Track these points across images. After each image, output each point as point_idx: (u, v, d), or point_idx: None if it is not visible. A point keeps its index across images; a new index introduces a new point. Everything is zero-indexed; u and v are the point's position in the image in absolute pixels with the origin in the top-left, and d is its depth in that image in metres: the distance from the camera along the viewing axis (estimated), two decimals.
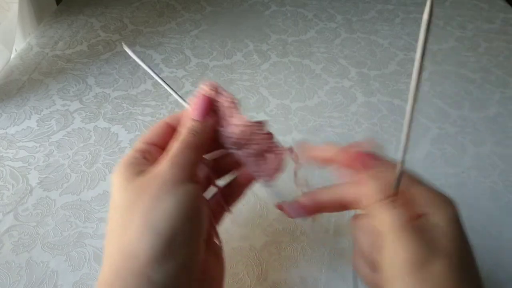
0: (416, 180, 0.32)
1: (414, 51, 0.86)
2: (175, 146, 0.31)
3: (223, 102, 0.35)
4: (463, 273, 0.27)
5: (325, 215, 0.52)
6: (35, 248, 0.47)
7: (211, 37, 0.84)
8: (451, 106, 0.69)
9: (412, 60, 0.79)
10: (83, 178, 0.55)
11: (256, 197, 0.53)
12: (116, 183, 0.30)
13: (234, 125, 0.35)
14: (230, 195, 0.38)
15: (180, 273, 0.27)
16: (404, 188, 0.30)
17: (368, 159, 0.31)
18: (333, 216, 0.52)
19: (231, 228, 0.50)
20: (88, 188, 0.54)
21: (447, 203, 0.29)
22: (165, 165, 0.30)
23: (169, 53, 0.79)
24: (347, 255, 0.48)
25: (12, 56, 0.76)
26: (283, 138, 0.62)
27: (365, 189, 0.31)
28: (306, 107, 0.68)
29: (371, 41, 0.85)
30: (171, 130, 0.35)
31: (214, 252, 0.35)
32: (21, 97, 0.67)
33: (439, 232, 0.27)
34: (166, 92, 0.70)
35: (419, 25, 0.93)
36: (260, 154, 0.36)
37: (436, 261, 0.26)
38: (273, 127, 0.64)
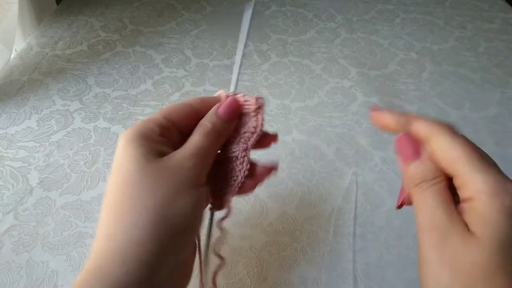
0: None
1: (414, 51, 0.87)
2: (200, 142, 0.30)
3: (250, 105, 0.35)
4: None
5: (325, 215, 0.52)
6: (35, 248, 0.47)
7: (211, 37, 0.84)
8: (451, 106, 0.69)
9: (413, 60, 0.79)
10: (83, 178, 0.55)
11: (256, 197, 0.53)
12: (129, 152, 0.28)
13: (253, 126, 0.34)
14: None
15: (180, 267, 0.28)
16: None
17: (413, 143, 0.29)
18: (333, 216, 0.52)
19: (231, 228, 0.50)
20: (88, 188, 0.54)
21: (496, 200, 0.24)
22: (188, 160, 0.29)
23: (169, 53, 0.79)
24: (347, 255, 0.48)
25: (12, 56, 0.76)
26: (283, 138, 0.62)
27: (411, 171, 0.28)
28: (306, 107, 0.68)
29: (371, 41, 0.85)
30: (193, 114, 0.33)
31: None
32: (21, 97, 0.67)
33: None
34: (166, 92, 0.70)
35: (419, 25, 0.94)
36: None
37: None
38: (273, 127, 0.64)
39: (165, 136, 0.31)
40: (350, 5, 0.97)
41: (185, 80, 0.73)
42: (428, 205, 0.26)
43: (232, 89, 0.36)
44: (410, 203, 0.30)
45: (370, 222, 0.51)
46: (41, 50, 0.78)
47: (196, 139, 0.30)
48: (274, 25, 0.89)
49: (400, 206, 0.32)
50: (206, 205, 0.32)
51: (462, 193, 0.25)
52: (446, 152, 0.26)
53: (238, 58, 0.36)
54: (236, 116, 0.34)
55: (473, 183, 0.24)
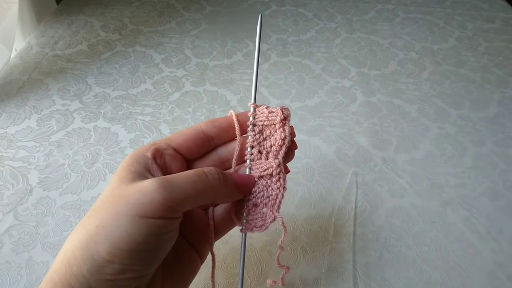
0: None
1: (414, 50, 0.87)
2: (187, 175, 0.28)
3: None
4: None
5: (325, 215, 0.52)
6: (35, 248, 0.47)
7: (211, 36, 0.84)
8: (451, 106, 0.69)
9: (413, 60, 0.79)
10: (83, 178, 0.55)
11: None
12: (116, 172, 0.29)
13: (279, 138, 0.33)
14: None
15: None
16: None
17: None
18: (333, 216, 0.52)
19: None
20: (88, 188, 0.54)
21: None
22: (154, 187, 0.26)
23: (169, 53, 0.79)
24: (347, 255, 0.48)
25: (12, 55, 0.76)
26: None
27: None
28: (306, 106, 0.68)
29: (371, 41, 0.85)
30: (202, 140, 0.32)
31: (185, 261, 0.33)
32: (21, 97, 0.67)
33: None
34: (166, 92, 0.70)
35: (419, 25, 0.94)
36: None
37: None
38: None
39: (157, 157, 0.30)
40: (350, 5, 0.97)
41: (185, 80, 0.73)
42: None
43: (252, 100, 0.34)
44: None
45: (370, 222, 0.51)
46: (41, 50, 0.78)
47: (187, 174, 0.28)
48: (274, 25, 0.89)
49: None
50: (171, 241, 0.29)
51: None
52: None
53: (255, 71, 0.35)
54: (246, 193, 0.33)
55: None
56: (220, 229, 0.35)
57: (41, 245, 0.47)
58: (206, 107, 0.67)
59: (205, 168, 0.29)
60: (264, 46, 0.82)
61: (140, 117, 0.65)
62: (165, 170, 0.31)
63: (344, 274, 0.46)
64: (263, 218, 0.32)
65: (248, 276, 0.45)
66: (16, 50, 0.78)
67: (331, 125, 0.64)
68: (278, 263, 0.35)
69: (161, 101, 0.68)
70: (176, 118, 0.65)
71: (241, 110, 0.66)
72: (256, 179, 0.33)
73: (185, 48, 0.80)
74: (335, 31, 0.88)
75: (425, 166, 0.58)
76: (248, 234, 0.49)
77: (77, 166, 0.56)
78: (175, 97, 0.69)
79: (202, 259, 0.35)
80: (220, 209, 0.35)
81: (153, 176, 0.29)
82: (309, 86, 0.72)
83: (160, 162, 0.31)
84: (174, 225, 0.28)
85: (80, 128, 0.62)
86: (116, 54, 0.78)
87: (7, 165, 0.56)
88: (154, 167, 0.30)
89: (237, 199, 0.33)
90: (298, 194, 0.54)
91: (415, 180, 0.56)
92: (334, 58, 0.79)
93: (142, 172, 0.29)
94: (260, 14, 0.30)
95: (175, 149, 0.32)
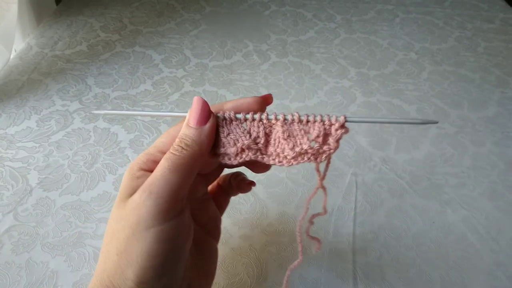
0: None
1: (414, 51, 0.87)
2: (158, 168, 0.27)
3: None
4: None
5: (325, 215, 0.52)
6: (35, 248, 0.47)
7: (210, 37, 0.84)
8: (451, 106, 0.69)
9: (412, 60, 0.79)
10: (82, 178, 0.55)
11: (256, 197, 0.53)
12: (120, 190, 0.29)
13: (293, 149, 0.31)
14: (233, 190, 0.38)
15: None
16: None
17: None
18: (333, 216, 0.52)
19: (231, 228, 0.50)
20: (88, 188, 0.54)
21: None
22: (142, 195, 0.26)
23: (169, 53, 0.79)
24: (347, 255, 0.48)
25: (12, 56, 0.75)
26: None
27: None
28: (306, 107, 0.68)
29: (371, 41, 0.85)
30: None
31: (204, 257, 0.34)
32: (20, 97, 0.67)
33: None
34: (165, 92, 0.70)
35: (418, 25, 0.94)
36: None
37: None
38: None
39: (152, 169, 0.29)
40: (349, 5, 0.97)
41: (184, 80, 0.73)
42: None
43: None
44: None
45: (370, 222, 0.51)
46: (41, 51, 0.78)
47: (159, 168, 0.27)
48: (274, 25, 0.89)
49: None
50: (180, 234, 0.28)
51: None
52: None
53: None
54: (206, 118, 0.29)
55: None
56: (222, 202, 0.37)
57: (41, 245, 0.47)
58: None
59: (170, 149, 0.28)
60: (263, 47, 0.82)
61: (139, 117, 0.65)
62: None
63: (344, 274, 0.46)
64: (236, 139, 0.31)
65: (248, 276, 0.45)
66: (15, 50, 0.78)
67: None
68: (309, 235, 0.36)
69: (161, 102, 0.68)
70: (175, 118, 0.65)
71: None
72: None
73: (184, 49, 0.80)
74: (334, 31, 0.88)
75: (424, 166, 0.58)
76: (248, 234, 0.49)
77: (77, 166, 0.56)
78: (174, 97, 0.69)
79: (217, 241, 0.36)
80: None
81: None
82: (308, 87, 0.72)
83: (148, 169, 0.30)
84: (184, 221, 0.28)
85: (80, 129, 0.62)
86: (115, 54, 0.78)
87: (7, 165, 0.56)
88: (145, 176, 0.30)
89: (210, 134, 0.30)
90: (298, 194, 0.54)
91: (415, 180, 0.56)
92: (333, 58, 0.80)
93: (139, 184, 0.28)
94: None
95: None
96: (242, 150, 0.31)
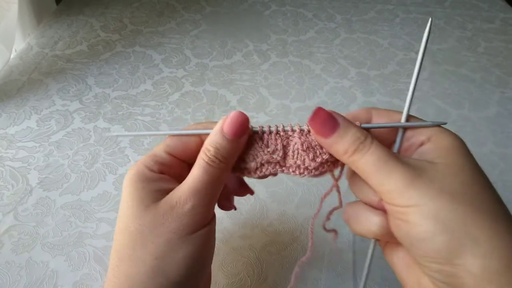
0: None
1: (414, 51, 0.87)
2: (199, 177, 0.27)
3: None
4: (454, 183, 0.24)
5: (325, 215, 0.52)
6: (35, 248, 0.47)
7: (211, 37, 0.84)
8: (451, 106, 0.69)
9: (412, 60, 0.79)
10: (83, 178, 0.55)
11: (256, 197, 0.53)
12: (129, 197, 0.28)
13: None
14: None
15: None
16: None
17: (328, 120, 0.28)
18: (333, 216, 0.52)
19: (231, 228, 0.50)
20: (88, 188, 0.54)
21: (449, 135, 0.27)
22: (184, 203, 0.27)
23: (169, 53, 0.79)
24: (347, 255, 0.48)
25: (12, 56, 0.75)
26: None
27: (337, 148, 0.28)
28: (306, 107, 0.68)
29: (371, 41, 0.85)
30: (200, 143, 0.30)
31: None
32: (21, 97, 0.67)
33: (429, 157, 0.26)
34: (165, 92, 0.70)
35: (418, 25, 0.94)
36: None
37: (423, 178, 0.24)
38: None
39: (165, 172, 0.29)
40: (349, 5, 0.97)
41: (185, 80, 0.73)
42: (378, 163, 0.25)
43: (404, 114, 0.31)
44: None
45: None
46: (41, 50, 0.78)
47: (194, 173, 0.28)
48: (274, 25, 0.89)
49: None
50: (213, 241, 0.30)
51: (416, 139, 0.28)
52: (391, 117, 0.29)
53: (412, 86, 0.31)
54: (244, 132, 0.29)
55: (426, 129, 0.28)
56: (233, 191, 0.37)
57: (41, 245, 0.47)
58: (206, 108, 0.67)
59: (204, 158, 0.28)
60: (263, 46, 0.82)
61: (140, 117, 0.65)
62: (177, 177, 0.31)
63: (344, 274, 0.46)
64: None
65: (248, 276, 0.45)
66: (16, 50, 0.78)
67: None
68: (325, 228, 0.36)
69: (161, 102, 0.68)
70: (176, 118, 0.65)
71: (240, 110, 0.66)
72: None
73: (185, 49, 0.80)
74: (334, 31, 0.88)
75: None
76: (248, 234, 0.49)
77: (77, 166, 0.56)
78: (175, 97, 0.69)
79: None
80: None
81: (168, 184, 0.29)
82: (309, 86, 0.72)
83: (169, 172, 0.30)
84: (214, 225, 0.30)
85: (80, 129, 0.62)
86: (116, 54, 0.78)
87: (7, 165, 0.56)
88: (162, 177, 0.29)
89: (241, 148, 0.30)
90: (298, 194, 0.54)
91: None
92: (333, 58, 0.80)
93: (161, 188, 0.28)
94: (430, 19, 0.28)
95: (175, 156, 0.31)
96: (262, 164, 0.31)
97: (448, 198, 0.23)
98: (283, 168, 0.31)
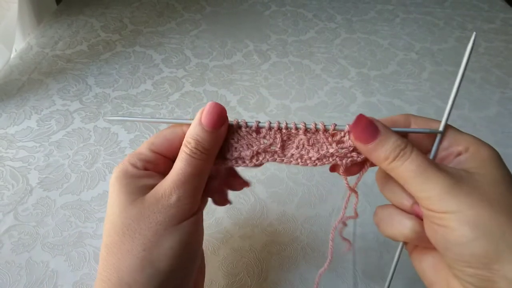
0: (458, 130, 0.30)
1: (414, 51, 0.87)
2: (182, 168, 0.28)
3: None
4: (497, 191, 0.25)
5: (325, 215, 0.52)
6: (35, 248, 0.47)
7: (211, 37, 0.84)
8: None
9: (413, 60, 0.79)
10: (83, 178, 0.55)
11: (256, 197, 0.53)
12: (115, 193, 0.29)
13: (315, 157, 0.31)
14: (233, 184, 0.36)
15: None
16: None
17: (370, 126, 0.28)
18: (333, 216, 0.52)
19: (231, 228, 0.50)
20: (88, 188, 0.54)
21: (485, 146, 0.28)
22: (170, 195, 0.28)
23: (169, 53, 0.79)
24: (347, 255, 0.48)
25: (12, 56, 0.76)
26: None
27: (377, 154, 0.28)
28: (306, 107, 0.68)
29: (371, 41, 0.85)
30: (181, 138, 0.31)
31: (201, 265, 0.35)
32: (21, 97, 0.67)
33: (468, 166, 0.27)
34: (166, 92, 0.70)
35: (419, 26, 0.94)
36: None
37: (462, 186, 0.25)
38: None
39: (150, 169, 0.30)
40: (349, 5, 0.97)
41: (185, 80, 0.73)
42: (418, 170, 0.26)
43: (443, 122, 0.30)
44: (355, 172, 0.33)
45: (370, 222, 0.51)
46: (41, 50, 0.78)
47: (177, 166, 0.29)
48: (274, 25, 0.89)
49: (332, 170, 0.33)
50: (201, 232, 0.31)
51: (453, 149, 0.28)
52: (429, 125, 0.29)
53: (454, 92, 0.31)
54: (222, 123, 0.29)
55: (464, 139, 0.28)
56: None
57: (41, 245, 0.47)
58: None
59: (185, 150, 0.29)
60: (263, 47, 0.82)
61: (140, 117, 0.65)
62: (162, 173, 0.31)
63: (344, 274, 0.46)
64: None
65: (248, 276, 0.45)
66: (16, 50, 0.78)
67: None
68: (341, 236, 0.36)
69: (161, 102, 0.68)
70: (175, 118, 0.65)
71: (241, 110, 0.67)
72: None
73: (185, 49, 0.80)
74: (335, 31, 0.88)
75: None
76: (248, 234, 0.49)
77: (77, 166, 0.56)
78: (175, 97, 0.69)
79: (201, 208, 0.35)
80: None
81: (153, 179, 0.30)
82: (309, 87, 0.72)
83: (154, 169, 0.31)
84: (201, 214, 0.31)
85: (80, 128, 0.62)
86: (116, 54, 0.78)
87: (7, 165, 0.56)
88: (147, 173, 0.30)
89: (222, 138, 0.30)
90: (298, 194, 0.54)
91: None
92: (334, 58, 0.80)
93: (146, 183, 0.29)
94: (474, 34, 0.28)
95: (159, 154, 0.31)
96: (258, 153, 0.31)
97: (487, 206, 0.24)
98: (283, 158, 0.31)
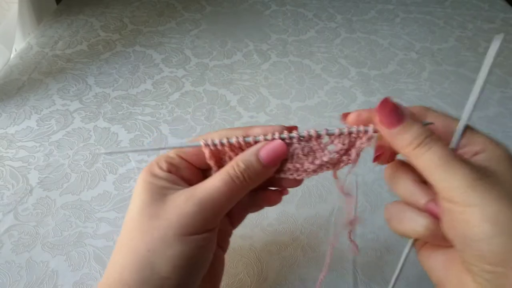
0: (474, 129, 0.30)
1: (414, 51, 0.87)
2: (214, 188, 0.28)
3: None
4: None
5: (325, 215, 0.52)
6: (35, 248, 0.47)
7: (211, 37, 0.84)
8: (451, 106, 0.69)
9: (413, 60, 0.79)
10: (83, 178, 0.55)
11: None
12: (138, 190, 0.29)
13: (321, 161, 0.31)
14: (253, 204, 0.36)
15: None
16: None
17: (395, 111, 0.28)
18: (333, 216, 0.52)
19: None
20: (88, 188, 0.54)
21: (500, 146, 0.28)
22: (191, 205, 0.27)
23: (169, 53, 0.79)
24: (347, 255, 0.48)
25: (12, 55, 0.76)
26: None
27: (401, 139, 0.28)
28: (306, 106, 0.68)
29: (371, 41, 0.85)
30: (214, 152, 0.31)
31: (215, 266, 0.34)
32: (21, 97, 0.67)
33: (490, 162, 0.27)
34: (166, 92, 0.70)
35: (419, 25, 0.94)
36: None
37: (485, 180, 0.25)
38: None
39: (174, 173, 0.30)
40: (350, 5, 0.97)
41: (185, 80, 0.73)
42: (443, 159, 0.26)
43: (462, 123, 0.30)
44: (388, 161, 0.31)
45: (370, 222, 0.51)
46: (41, 50, 0.78)
47: (212, 182, 0.28)
48: (274, 25, 0.89)
49: (376, 160, 0.32)
50: (210, 249, 0.30)
51: (470, 148, 0.28)
52: (447, 123, 0.29)
53: (473, 97, 0.31)
54: (279, 162, 0.30)
55: (480, 140, 0.28)
56: (238, 215, 0.36)
57: (41, 245, 0.47)
58: (206, 107, 0.67)
59: (230, 171, 0.29)
60: (264, 46, 0.82)
61: (140, 117, 0.65)
62: (185, 180, 0.31)
63: (344, 274, 0.46)
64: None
65: (248, 276, 0.45)
66: (16, 50, 0.78)
67: (331, 125, 0.64)
68: (350, 238, 0.36)
69: (161, 101, 0.68)
70: (176, 118, 0.65)
71: (241, 109, 0.67)
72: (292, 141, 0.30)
73: (185, 48, 0.80)
74: (335, 31, 0.88)
75: None
76: (248, 233, 0.49)
77: (77, 166, 0.56)
78: (175, 97, 0.69)
79: (224, 252, 0.36)
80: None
81: (178, 186, 0.30)
82: (309, 86, 0.72)
83: (176, 173, 0.31)
84: (215, 235, 0.30)
85: (80, 128, 0.62)
86: (116, 54, 0.78)
87: (7, 165, 0.56)
88: (175, 178, 0.30)
89: (269, 175, 0.31)
90: (298, 194, 0.54)
91: None
92: (334, 58, 0.80)
93: (168, 185, 0.29)
94: (502, 35, 0.28)
95: (185, 160, 0.31)
96: None
97: (508, 204, 0.24)
98: (280, 172, 0.31)
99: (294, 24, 0.90)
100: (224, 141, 0.29)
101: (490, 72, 0.29)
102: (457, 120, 0.29)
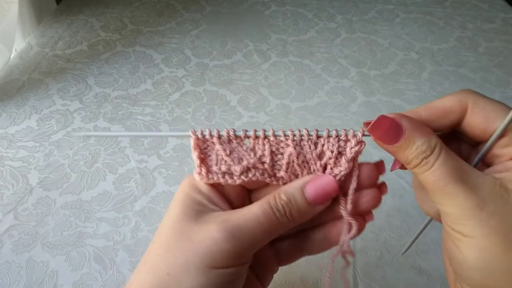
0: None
1: (414, 51, 0.86)
2: (253, 218, 0.25)
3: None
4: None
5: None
6: (35, 248, 0.47)
7: (211, 37, 0.84)
8: None
9: (413, 60, 0.79)
10: (83, 177, 0.55)
11: None
12: (176, 201, 0.27)
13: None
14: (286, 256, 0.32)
15: None
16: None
17: (392, 127, 0.27)
18: None
19: None
20: (88, 188, 0.54)
21: None
22: (222, 237, 0.24)
23: (169, 53, 0.79)
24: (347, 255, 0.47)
25: (12, 55, 0.76)
26: None
27: (399, 157, 0.27)
28: (306, 106, 0.68)
29: (371, 41, 0.85)
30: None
31: None
32: (21, 97, 0.67)
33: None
34: (166, 92, 0.70)
35: (419, 25, 0.94)
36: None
37: (484, 210, 0.23)
38: (273, 127, 0.64)
39: (216, 187, 0.28)
40: (350, 5, 0.97)
41: (185, 80, 0.73)
42: (438, 184, 0.24)
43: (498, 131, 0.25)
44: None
45: (371, 222, 0.51)
46: (41, 50, 0.78)
47: (252, 212, 0.26)
48: (274, 25, 0.89)
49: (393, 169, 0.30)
50: (241, 283, 0.27)
51: (509, 150, 0.25)
52: (489, 115, 0.25)
53: None
54: (326, 201, 0.27)
55: None
56: (288, 253, 0.32)
57: (41, 245, 0.47)
58: (206, 107, 0.67)
59: (271, 201, 0.26)
60: (264, 46, 0.82)
61: (140, 117, 0.65)
62: (226, 198, 0.29)
63: (344, 274, 0.46)
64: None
65: None
66: (16, 50, 0.78)
67: (331, 125, 0.64)
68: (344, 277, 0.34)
69: (161, 101, 0.68)
70: (176, 118, 0.65)
71: (241, 109, 0.67)
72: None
73: (185, 48, 0.80)
74: (335, 31, 0.88)
75: None
76: None
77: (77, 166, 0.56)
78: (175, 97, 0.69)
79: (264, 286, 0.32)
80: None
81: (216, 206, 0.28)
82: (309, 86, 0.72)
83: (220, 189, 0.29)
84: (244, 270, 0.27)
85: (80, 128, 0.62)
86: (116, 54, 0.78)
87: (7, 165, 0.56)
88: (215, 196, 0.28)
89: (314, 214, 0.28)
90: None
91: None
92: (334, 58, 0.80)
93: (205, 203, 0.27)
94: None
95: None
96: (248, 169, 0.28)
97: (500, 239, 0.23)
98: (272, 178, 0.29)
99: (294, 24, 0.90)
100: (214, 132, 0.28)
101: None
102: (506, 107, 0.25)
